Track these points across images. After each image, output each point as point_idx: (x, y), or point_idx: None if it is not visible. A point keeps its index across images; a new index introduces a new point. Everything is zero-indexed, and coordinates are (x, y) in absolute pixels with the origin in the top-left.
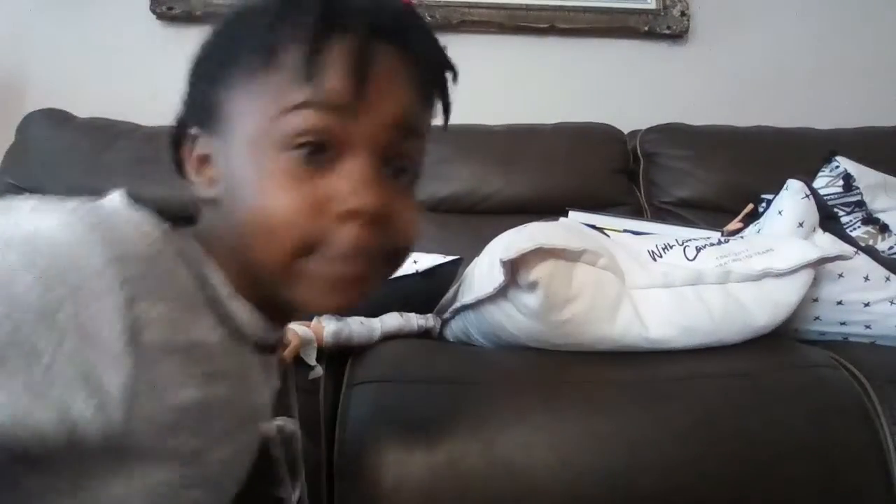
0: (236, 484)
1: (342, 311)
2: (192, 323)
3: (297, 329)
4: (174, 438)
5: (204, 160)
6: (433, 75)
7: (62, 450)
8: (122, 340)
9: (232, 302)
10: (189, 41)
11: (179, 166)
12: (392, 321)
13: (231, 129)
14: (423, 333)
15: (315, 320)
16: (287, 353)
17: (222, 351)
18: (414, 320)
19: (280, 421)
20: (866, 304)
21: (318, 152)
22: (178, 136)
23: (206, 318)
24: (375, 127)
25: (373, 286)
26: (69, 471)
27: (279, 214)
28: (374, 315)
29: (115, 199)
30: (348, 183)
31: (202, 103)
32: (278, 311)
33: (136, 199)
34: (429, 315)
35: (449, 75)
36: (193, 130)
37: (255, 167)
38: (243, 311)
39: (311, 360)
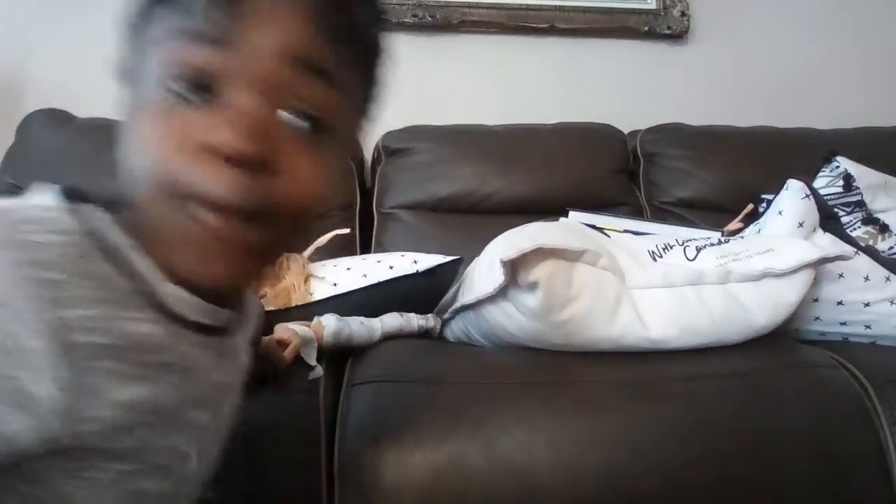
0: (200, 470)
1: (224, 283)
2: (124, 317)
3: (297, 329)
4: (128, 435)
5: None
6: (345, 16)
7: (6, 459)
8: (48, 350)
9: (163, 286)
10: None
11: None
12: (392, 321)
13: (131, 78)
14: (423, 333)
15: (315, 320)
16: (287, 352)
17: (163, 341)
18: (414, 320)
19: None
20: (866, 304)
21: (197, 90)
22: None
23: (139, 309)
24: (257, 58)
25: (260, 256)
26: (18, 476)
27: (145, 154)
28: (375, 315)
29: (31, 199)
30: (228, 120)
31: (123, 57)
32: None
33: (71, 191)
34: (429, 315)
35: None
36: (120, 84)
37: (131, 110)
38: (176, 295)
39: (312, 361)
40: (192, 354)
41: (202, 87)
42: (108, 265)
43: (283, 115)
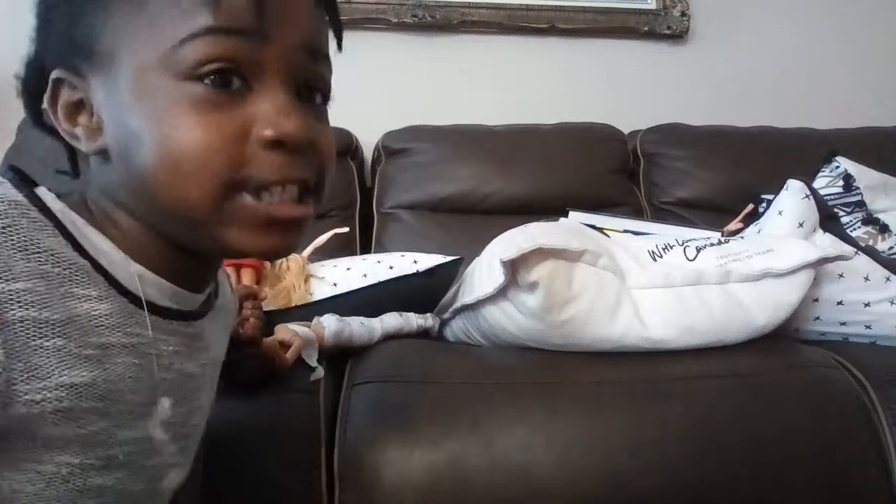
0: (172, 469)
1: (280, 254)
2: (70, 296)
3: (297, 330)
4: (75, 422)
5: (77, 107)
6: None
7: None
8: None
9: (125, 267)
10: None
11: (38, 118)
12: (392, 321)
13: (115, 65)
14: (423, 333)
15: (315, 321)
16: (290, 354)
17: (117, 321)
18: (413, 320)
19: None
20: (866, 305)
21: (225, 82)
22: (32, 83)
23: (88, 288)
24: (285, 51)
25: (307, 222)
26: None
27: (195, 149)
28: (374, 315)
29: None
30: (270, 108)
31: (68, 39)
32: (191, 271)
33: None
34: (428, 315)
35: None
36: (56, 73)
37: (154, 105)
38: (142, 275)
39: (313, 362)
40: (155, 339)
41: (228, 78)
42: (55, 240)
43: (302, 96)
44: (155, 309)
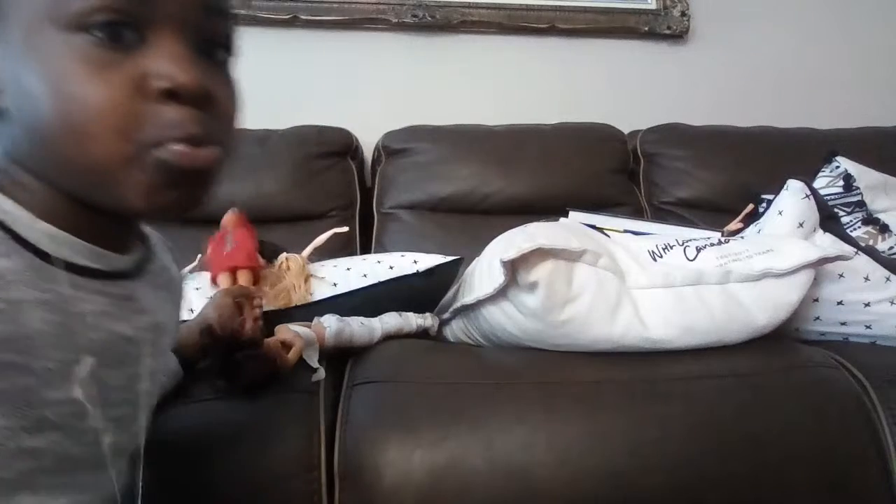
0: (111, 433)
1: (185, 208)
2: None
3: (298, 330)
4: None
5: None
6: None
7: None
8: None
9: (31, 225)
10: None
11: None
12: (392, 321)
13: (5, 21)
14: (422, 333)
15: (316, 321)
16: (291, 354)
17: (26, 278)
18: (413, 320)
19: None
20: (867, 305)
21: (116, 35)
22: None
23: None
24: (181, 8)
25: (212, 173)
26: None
27: (90, 106)
28: (374, 315)
29: None
30: (163, 60)
31: None
32: (106, 231)
33: None
34: (427, 314)
35: None
36: None
37: (44, 61)
38: (49, 233)
39: (314, 362)
40: (74, 297)
41: (117, 30)
42: None
43: (202, 53)
44: (72, 268)
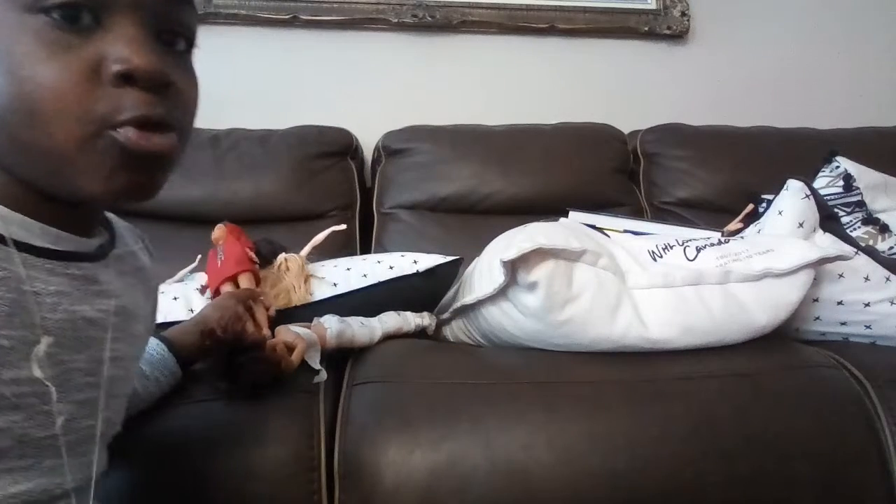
0: (76, 418)
1: (142, 192)
2: None
3: (300, 331)
4: None
5: None
6: None
7: None
8: None
9: None
10: None
11: None
12: (391, 321)
13: None
14: (420, 332)
15: (315, 321)
16: (294, 356)
17: None
18: (412, 319)
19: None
20: (866, 305)
21: (73, 17)
22: None
23: None
24: None
25: (169, 158)
26: None
27: (46, 88)
28: (374, 315)
29: None
30: (120, 44)
31: None
32: (62, 213)
33: None
34: (425, 313)
35: None
36: None
37: (1, 40)
38: (8, 217)
39: (316, 364)
40: (29, 276)
41: (75, 13)
42: None
43: (161, 41)
44: (25, 248)
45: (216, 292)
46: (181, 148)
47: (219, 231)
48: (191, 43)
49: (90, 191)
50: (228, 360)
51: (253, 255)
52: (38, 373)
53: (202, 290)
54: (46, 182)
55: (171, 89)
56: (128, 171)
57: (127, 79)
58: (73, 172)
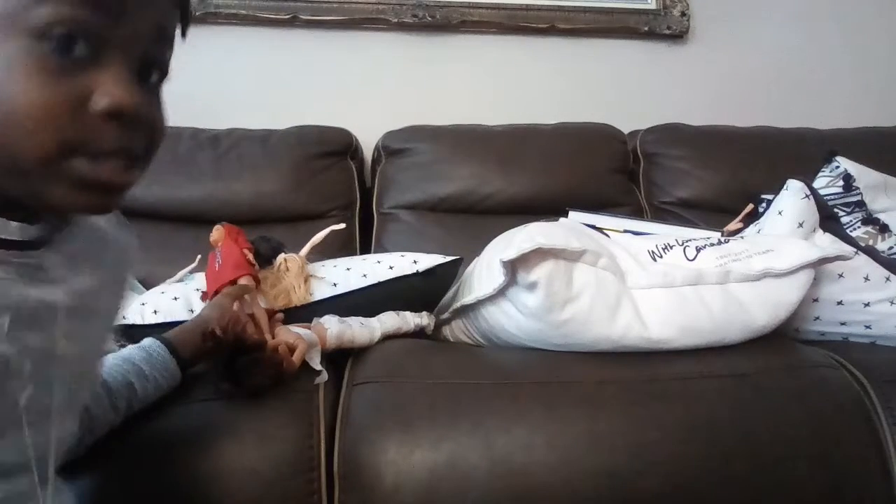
0: (34, 401)
1: (99, 212)
2: None
3: (300, 332)
4: None
5: None
6: None
7: None
8: None
9: None
10: (187, 42)
11: None
12: (390, 321)
13: None
14: (419, 331)
15: (315, 322)
16: (295, 357)
17: None
18: (410, 319)
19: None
20: (866, 305)
21: (69, 48)
22: None
23: None
24: (137, 32)
25: (130, 187)
26: None
27: (37, 110)
28: (374, 315)
29: None
30: (111, 81)
31: None
32: (13, 204)
33: None
34: (423, 313)
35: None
36: None
37: (2, 58)
38: None
39: (316, 365)
40: None
41: (72, 44)
42: None
43: (146, 73)
44: None
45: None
46: (141, 175)
47: (217, 233)
48: (164, 76)
49: (50, 203)
50: (230, 361)
51: (251, 256)
52: (3, 349)
53: (203, 297)
54: (7, 184)
55: (145, 125)
56: (88, 193)
57: (113, 115)
58: (38, 185)
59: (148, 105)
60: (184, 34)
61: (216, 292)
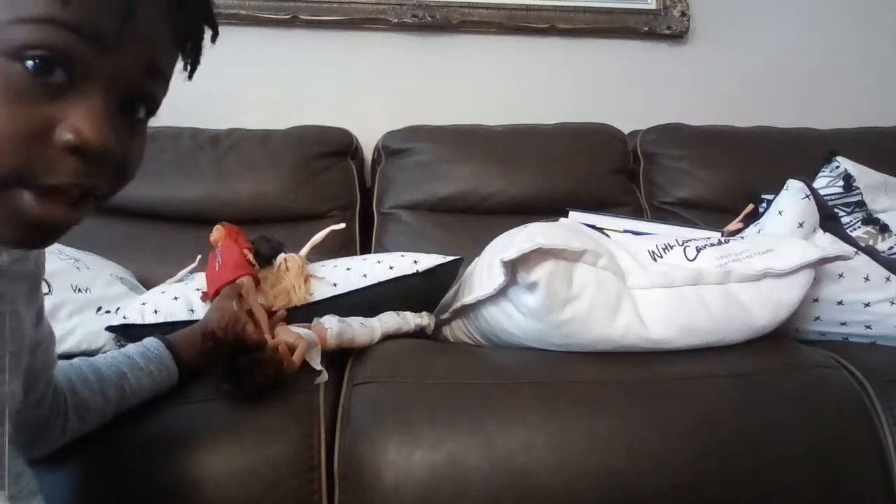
0: None
1: (32, 248)
2: None
3: (300, 332)
4: None
5: None
6: (195, 28)
7: None
8: None
9: None
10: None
11: None
12: (391, 321)
13: None
14: (419, 331)
15: (315, 322)
16: (296, 357)
17: None
18: (411, 319)
19: None
20: (866, 305)
21: (44, 73)
22: None
23: None
24: (124, 67)
25: (74, 225)
26: None
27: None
28: (374, 315)
29: None
30: (80, 114)
31: None
32: None
33: None
34: (423, 313)
35: (208, 33)
36: None
37: None
38: None
39: (317, 365)
40: None
41: (50, 70)
42: None
43: (130, 108)
44: None
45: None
46: (94, 211)
47: (217, 233)
48: (151, 113)
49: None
50: (230, 362)
51: (251, 256)
52: None
53: (203, 297)
54: None
55: (113, 162)
56: (23, 229)
57: (73, 151)
58: None
59: (122, 141)
60: (190, 76)
61: (216, 293)
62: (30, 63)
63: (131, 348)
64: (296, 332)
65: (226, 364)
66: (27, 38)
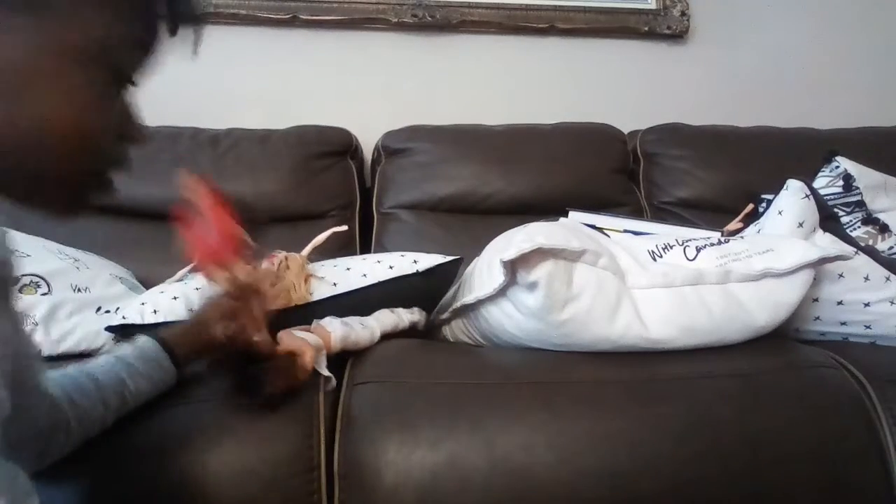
0: None
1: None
2: None
3: (305, 337)
4: None
5: None
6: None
7: None
8: None
9: None
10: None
11: None
12: (387, 319)
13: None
14: (412, 327)
15: (315, 324)
16: (307, 362)
17: None
18: (404, 315)
19: None
20: (866, 304)
21: (127, 87)
22: None
23: None
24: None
25: None
26: None
27: (70, 123)
28: (368, 313)
29: None
30: (134, 114)
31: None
32: None
33: None
34: (414, 308)
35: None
36: None
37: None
38: None
39: (323, 370)
40: None
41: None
42: None
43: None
44: None
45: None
46: None
47: (196, 187)
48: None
49: (57, 211)
50: (242, 372)
51: (247, 238)
52: None
53: (191, 270)
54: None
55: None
56: (86, 204)
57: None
58: (56, 196)
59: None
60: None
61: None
62: (124, 80)
63: (126, 350)
64: (301, 337)
65: (237, 373)
66: (135, 63)
